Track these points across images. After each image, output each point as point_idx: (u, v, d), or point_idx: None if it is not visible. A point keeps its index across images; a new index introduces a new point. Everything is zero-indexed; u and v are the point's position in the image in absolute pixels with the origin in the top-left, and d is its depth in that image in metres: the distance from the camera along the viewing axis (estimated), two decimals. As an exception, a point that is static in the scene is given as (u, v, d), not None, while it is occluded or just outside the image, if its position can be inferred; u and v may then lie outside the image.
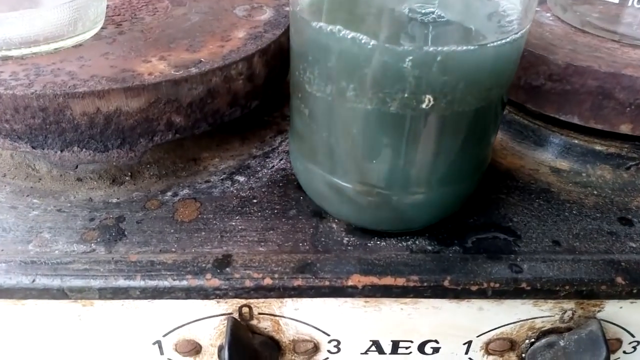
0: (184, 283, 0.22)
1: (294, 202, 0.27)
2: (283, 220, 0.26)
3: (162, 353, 0.26)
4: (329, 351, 0.27)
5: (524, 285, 0.23)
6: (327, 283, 0.23)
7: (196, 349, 0.26)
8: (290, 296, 0.23)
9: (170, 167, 0.29)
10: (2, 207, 0.26)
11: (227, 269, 0.23)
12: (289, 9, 0.22)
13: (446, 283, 0.23)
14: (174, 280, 0.22)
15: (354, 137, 0.21)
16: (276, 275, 0.23)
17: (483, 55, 0.19)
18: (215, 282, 0.22)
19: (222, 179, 0.29)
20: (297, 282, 0.23)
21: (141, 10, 0.32)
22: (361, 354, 0.27)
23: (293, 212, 0.27)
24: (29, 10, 0.24)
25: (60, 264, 0.23)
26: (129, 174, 0.28)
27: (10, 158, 0.30)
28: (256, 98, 0.29)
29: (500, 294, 0.23)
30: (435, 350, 0.27)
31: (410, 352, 0.27)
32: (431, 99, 0.19)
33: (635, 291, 0.23)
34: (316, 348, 0.26)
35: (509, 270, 0.23)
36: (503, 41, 0.19)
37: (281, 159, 0.31)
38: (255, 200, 0.27)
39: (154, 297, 0.23)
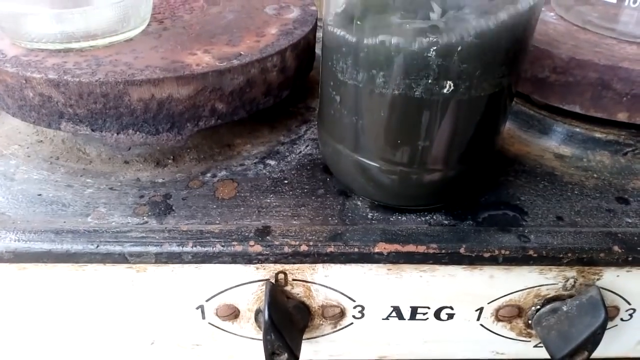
0: (231, 249, 0.25)
1: (321, 182, 0.30)
2: (312, 198, 0.29)
3: (203, 317, 0.29)
4: (353, 316, 0.30)
5: (531, 252, 0.26)
6: (356, 250, 0.26)
7: (235, 313, 0.29)
8: (323, 262, 0.26)
9: (208, 152, 0.32)
10: (59, 186, 0.29)
11: (268, 237, 0.26)
12: (324, 7, 0.25)
13: (462, 250, 0.26)
14: (222, 246, 0.25)
15: (381, 120, 0.24)
16: (311, 243, 0.26)
17: (497, 47, 0.22)
18: (258, 248, 0.25)
19: (255, 163, 0.32)
20: (330, 249, 0.26)
21: (179, 9, 0.35)
22: (383, 319, 0.30)
23: (321, 191, 0.29)
24: (90, 7, 0.27)
25: (119, 233, 0.26)
26: (172, 157, 0.31)
27: (61, 143, 0.33)
28: (287, 88, 0.32)
29: (510, 261, 0.26)
30: (450, 316, 0.30)
31: (427, 318, 0.30)
32: (451, 85, 0.22)
33: (630, 259, 0.26)
34: (342, 313, 0.29)
35: (518, 240, 0.26)
36: (514, 36, 0.22)
37: (307, 146, 0.33)
38: (286, 181, 0.30)
39: (203, 262, 0.25)
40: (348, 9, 0.24)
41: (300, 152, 0.33)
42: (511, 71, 0.24)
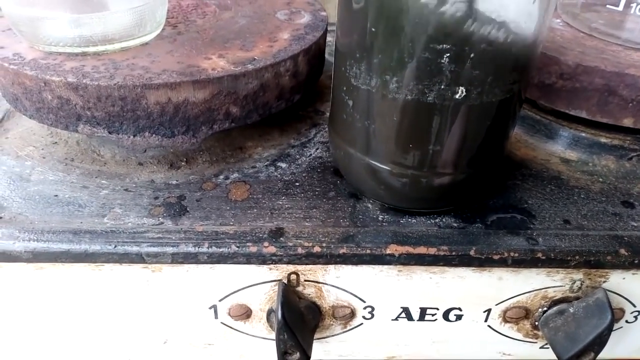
0: (245, 250, 0.26)
1: (332, 185, 0.31)
2: (324, 200, 0.29)
3: (216, 317, 0.29)
4: (363, 317, 0.30)
5: (539, 255, 0.26)
6: (368, 251, 0.26)
7: (247, 313, 0.29)
8: (335, 263, 0.27)
9: (220, 154, 0.33)
10: (75, 187, 0.30)
11: (281, 238, 0.26)
12: (337, 8, 0.26)
13: (472, 252, 0.26)
14: (237, 247, 0.26)
15: (393, 124, 0.25)
16: (324, 244, 0.26)
17: (508, 54, 0.23)
18: (272, 249, 0.26)
19: (266, 165, 0.32)
20: (342, 250, 0.26)
21: (192, 14, 0.36)
22: (392, 320, 0.30)
23: (332, 193, 0.30)
24: (108, 12, 0.28)
25: (136, 233, 0.26)
26: (185, 159, 0.32)
27: (76, 145, 0.33)
28: (298, 92, 0.32)
29: (518, 263, 0.27)
30: (458, 317, 0.30)
31: (436, 319, 0.30)
32: (463, 91, 0.23)
33: (636, 261, 0.27)
34: (353, 314, 0.30)
35: (526, 243, 0.27)
36: (525, 43, 0.23)
37: (317, 149, 0.34)
38: (297, 184, 0.31)
39: (219, 262, 0.26)
40: (362, 15, 0.24)
41: (311, 154, 0.33)
42: (522, 78, 0.24)
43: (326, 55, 0.38)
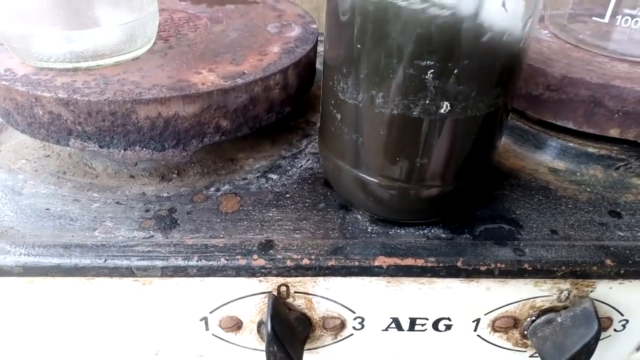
0: (235, 263, 0.26)
1: (322, 196, 0.31)
2: (314, 212, 0.30)
3: (207, 329, 0.30)
4: (354, 327, 0.30)
5: (526, 266, 0.27)
6: (356, 263, 0.26)
7: (238, 325, 0.29)
8: (324, 275, 0.27)
9: (212, 166, 0.33)
10: (67, 200, 0.30)
11: (271, 251, 0.27)
12: (324, 25, 0.26)
13: (459, 264, 0.27)
14: (226, 260, 0.26)
15: (380, 138, 0.25)
16: (313, 257, 0.26)
17: (492, 69, 0.23)
18: (261, 262, 0.26)
19: (257, 177, 0.32)
20: (331, 263, 0.26)
21: (183, 27, 0.36)
22: (382, 330, 0.30)
23: (322, 205, 0.30)
24: (99, 28, 0.28)
25: (126, 247, 0.26)
26: (176, 171, 0.32)
27: (68, 157, 0.33)
28: (289, 105, 0.33)
29: (505, 274, 0.27)
30: (448, 327, 0.30)
31: (426, 329, 0.31)
32: (448, 105, 0.23)
33: (622, 272, 0.27)
34: (343, 324, 0.30)
35: (513, 254, 0.27)
36: (509, 58, 0.23)
37: (308, 160, 0.34)
38: (288, 195, 0.31)
39: (208, 275, 0.26)
40: (348, 31, 0.25)
41: (302, 166, 0.34)
42: (507, 91, 0.25)
43: (317, 66, 0.38)
